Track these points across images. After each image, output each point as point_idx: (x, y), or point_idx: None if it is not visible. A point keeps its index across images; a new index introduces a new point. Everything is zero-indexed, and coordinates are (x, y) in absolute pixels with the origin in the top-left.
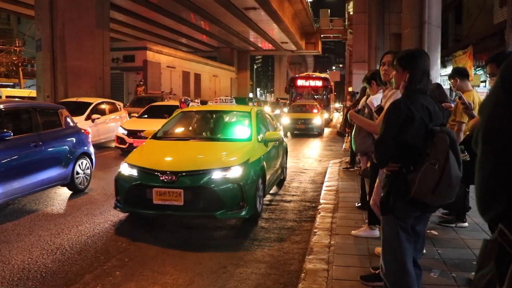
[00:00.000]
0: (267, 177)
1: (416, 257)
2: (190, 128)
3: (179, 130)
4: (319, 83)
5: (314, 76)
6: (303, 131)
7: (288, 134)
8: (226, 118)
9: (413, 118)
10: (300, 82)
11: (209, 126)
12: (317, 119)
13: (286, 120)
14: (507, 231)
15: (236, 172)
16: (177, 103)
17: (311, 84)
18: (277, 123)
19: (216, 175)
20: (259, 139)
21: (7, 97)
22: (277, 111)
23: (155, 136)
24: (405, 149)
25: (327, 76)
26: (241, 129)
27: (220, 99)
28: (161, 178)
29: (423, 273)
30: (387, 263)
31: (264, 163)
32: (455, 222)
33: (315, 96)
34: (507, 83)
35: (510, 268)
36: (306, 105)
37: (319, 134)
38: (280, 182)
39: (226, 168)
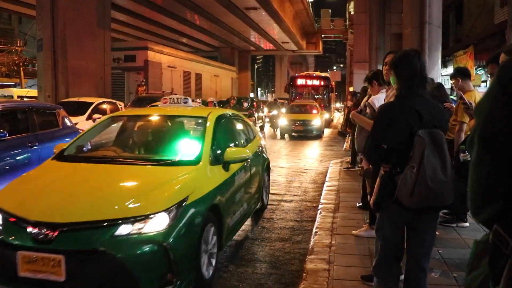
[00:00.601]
0: (226, 219)
1: (421, 259)
2: (117, 142)
3: (99, 145)
4: (319, 83)
5: (314, 75)
6: (301, 133)
7: (286, 136)
8: (172, 128)
9: (396, 122)
10: (300, 82)
11: (144, 140)
12: (316, 120)
13: (283, 121)
14: (503, 231)
15: (158, 224)
16: None
17: (311, 83)
18: (255, 133)
19: (124, 229)
20: (215, 160)
21: (18, 97)
22: (274, 112)
23: (60, 155)
24: (390, 151)
25: (328, 75)
26: (188, 145)
27: (171, 98)
28: (29, 233)
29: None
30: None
31: (220, 198)
32: (456, 222)
33: (315, 96)
34: (505, 83)
35: (507, 268)
36: (305, 106)
37: (318, 136)
38: (256, 212)
39: (140, 218)
